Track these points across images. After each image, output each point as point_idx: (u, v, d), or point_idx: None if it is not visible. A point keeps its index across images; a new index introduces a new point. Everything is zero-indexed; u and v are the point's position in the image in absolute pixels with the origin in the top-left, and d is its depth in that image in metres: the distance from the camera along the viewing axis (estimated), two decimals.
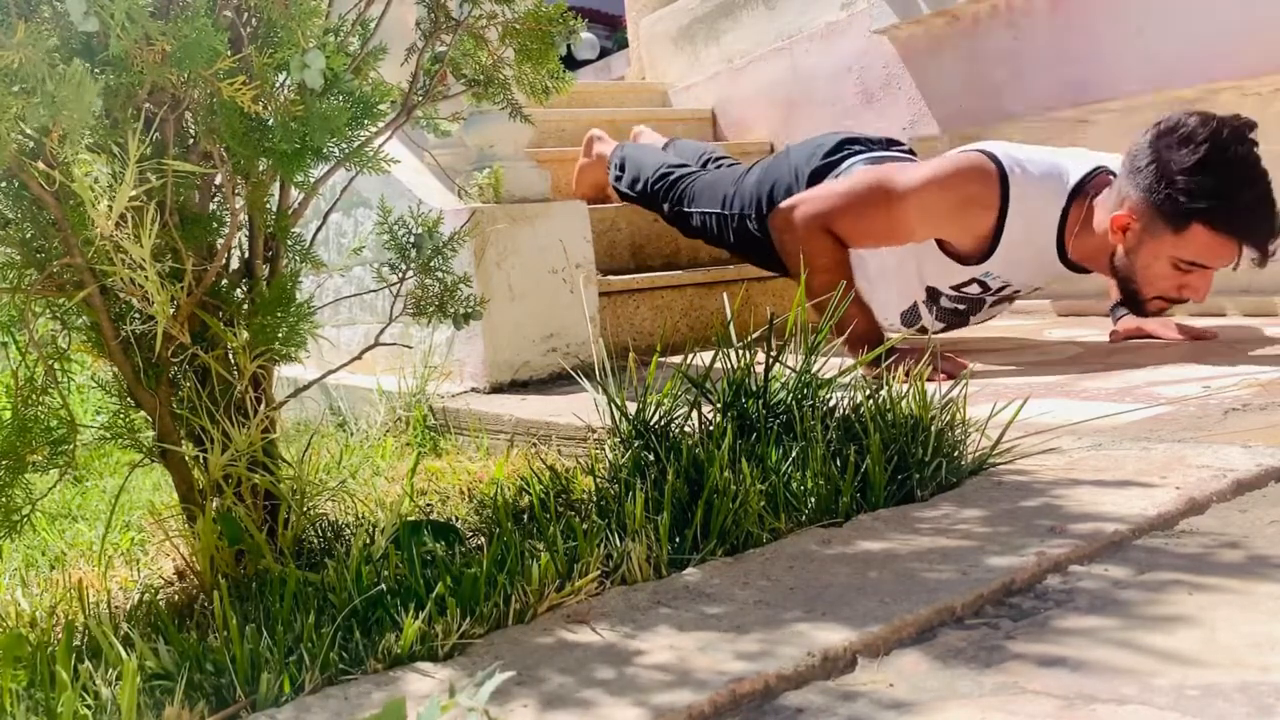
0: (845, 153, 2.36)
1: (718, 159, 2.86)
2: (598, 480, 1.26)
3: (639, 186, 2.84)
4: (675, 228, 2.81)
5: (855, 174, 2.20)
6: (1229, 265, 1.90)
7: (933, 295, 2.25)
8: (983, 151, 2.06)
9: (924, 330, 2.35)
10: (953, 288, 2.21)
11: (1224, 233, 1.84)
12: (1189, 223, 1.85)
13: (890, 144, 2.40)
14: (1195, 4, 2.48)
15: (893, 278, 2.26)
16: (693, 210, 2.65)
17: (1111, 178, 2.02)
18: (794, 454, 1.20)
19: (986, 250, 2.07)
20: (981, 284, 2.18)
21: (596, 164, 3.12)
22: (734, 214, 2.50)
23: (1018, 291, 2.24)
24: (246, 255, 1.26)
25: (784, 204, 2.17)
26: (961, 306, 2.27)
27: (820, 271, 2.08)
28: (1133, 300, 2.02)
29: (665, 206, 2.75)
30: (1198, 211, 1.83)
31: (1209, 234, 1.85)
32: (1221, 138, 1.82)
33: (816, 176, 2.33)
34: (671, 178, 2.74)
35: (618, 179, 2.95)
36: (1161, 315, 2.07)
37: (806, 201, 2.14)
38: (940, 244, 2.13)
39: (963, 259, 2.12)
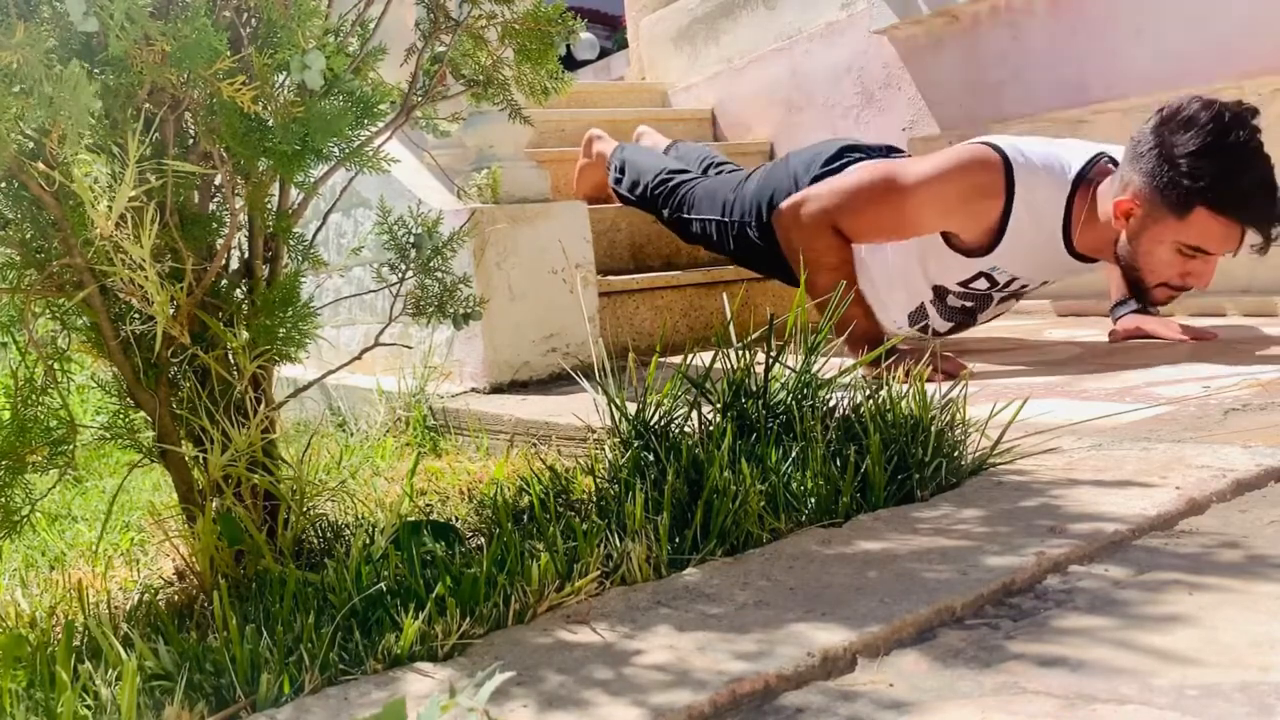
0: (845, 160, 2.36)
1: (718, 164, 2.86)
2: (597, 480, 1.26)
3: (639, 191, 2.84)
4: (674, 232, 2.82)
5: (861, 169, 2.19)
6: (1231, 250, 1.89)
7: (940, 294, 2.25)
8: (986, 143, 2.06)
9: (933, 332, 2.35)
10: (960, 284, 2.20)
11: (1227, 216, 1.84)
12: (1192, 207, 1.85)
13: (890, 151, 2.40)
14: (1195, 4, 2.48)
15: (898, 279, 2.26)
16: (692, 217, 2.65)
17: (1112, 166, 2.02)
18: (794, 454, 1.20)
19: (993, 241, 2.07)
20: (989, 278, 2.17)
21: (596, 164, 3.12)
22: (734, 220, 2.50)
23: (1025, 286, 2.23)
24: (246, 255, 1.26)
25: (788, 201, 2.17)
26: (969, 304, 2.26)
27: (824, 270, 2.08)
28: (1138, 289, 2.02)
29: (665, 212, 2.75)
30: (1200, 194, 1.83)
31: (1211, 218, 1.85)
32: (1224, 122, 1.83)
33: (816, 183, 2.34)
34: (671, 183, 2.74)
35: (618, 181, 2.95)
36: (1167, 304, 2.06)
37: (812, 198, 2.13)
38: (946, 239, 2.13)
39: (969, 252, 2.12)
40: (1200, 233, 1.87)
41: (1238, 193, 1.83)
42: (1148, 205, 1.91)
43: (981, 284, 2.20)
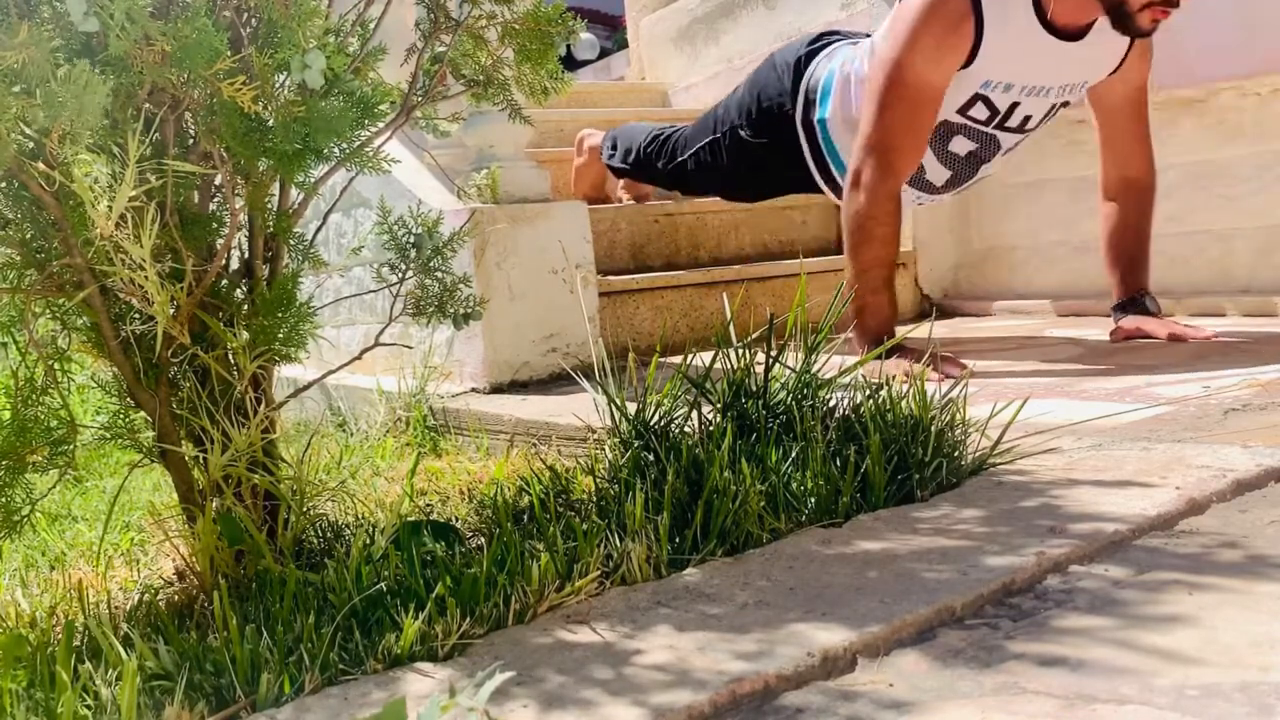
0: (825, 42, 2.36)
1: None
2: (598, 480, 1.26)
3: (632, 157, 2.84)
4: (676, 188, 2.81)
5: (864, 85, 2.17)
6: None
7: (940, 135, 2.20)
8: None
9: (930, 187, 2.32)
10: (959, 112, 2.15)
11: None
12: None
13: (869, 37, 2.39)
14: (1195, 4, 2.48)
15: None
16: (687, 155, 2.64)
17: None
18: (794, 454, 1.20)
19: (975, 47, 2.03)
20: (986, 102, 2.12)
21: (591, 160, 3.12)
22: (725, 131, 2.49)
23: (1028, 118, 2.17)
24: (246, 255, 1.26)
25: (847, 183, 2.14)
26: (973, 146, 2.22)
27: (874, 242, 2.07)
28: (1124, 20, 1.98)
29: (661, 165, 2.74)
30: None
31: None
32: None
33: (803, 63, 2.34)
34: (662, 137, 2.75)
35: (610, 156, 2.95)
36: (1154, 30, 2.00)
37: (862, 162, 2.09)
38: None
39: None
40: None
41: None
42: None
43: (980, 111, 2.15)
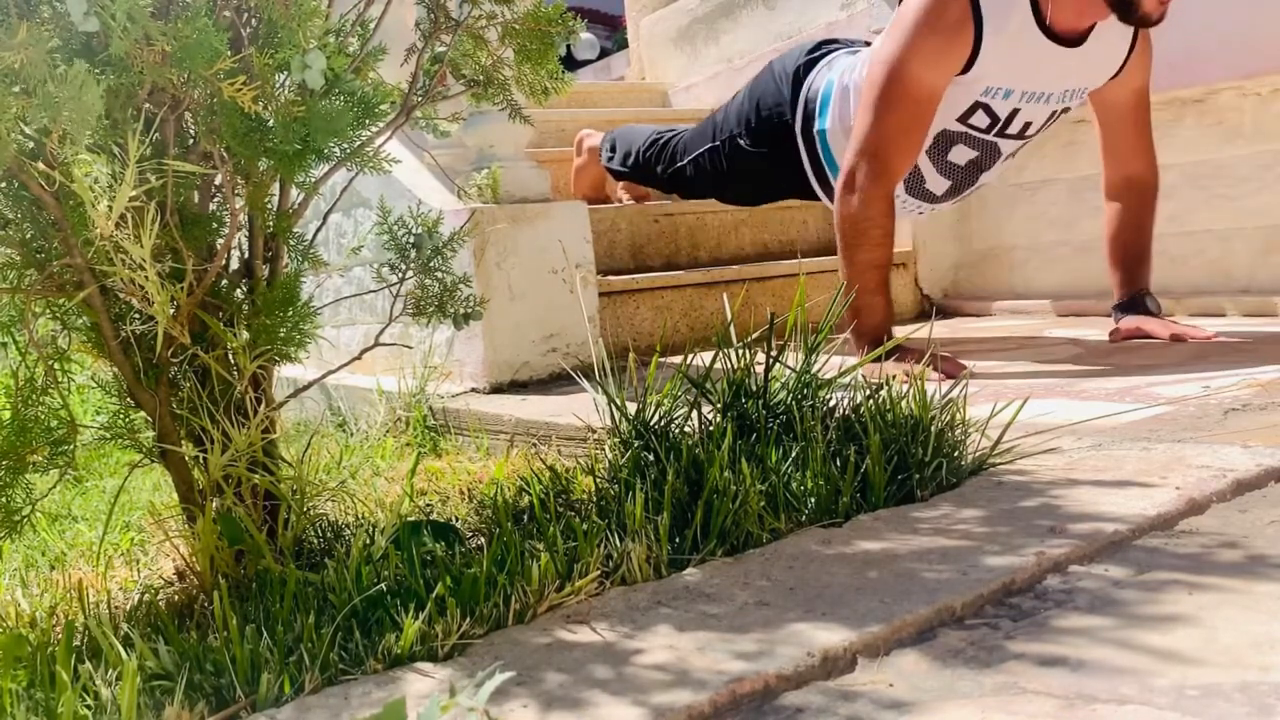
0: (823, 50, 2.36)
1: None
2: (598, 480, 1.26)
3: (631, 160, 2.84)
4: (674, 192, 2.81)
5: (862, 90, 2.16)
6: None
7: (940, 144, 2.20)
8: None
9: (930, 196, 2.32)
10: (959, 120, 2.15)
11: None
12: None
13: (868, 45, 2.39)
14: (1195, 4, 2.48)
15: None
16: (685, 161, 2.64)
17: None
18: (794, 454, 1.20)
19: (974, 53, 2.03)
20: (987, 110, 2.12)
21: (590, 160, 3.12)
22: (724, 139, 2.50)
23: (1029, 125, 2.17)
24: (246, 255, 1.26)
25: (839, 184, 2.13)
26: (973, 154, 2.22)
27: (868, 244, 2.07)
28: (1130, 10, 1.97)
29: (659, 169, 2.74)
30: None
31: None
32: None
33: (801, 73, 2.34)
34: (661, 141, 2.75)
35: (609, 159, 2.95)
36: (1162, 17, 1.98)
37: (856, 163, 2.09)
38: None
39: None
40: None
41: None
42: None
43: (981, 118, 2.14)
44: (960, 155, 2.23)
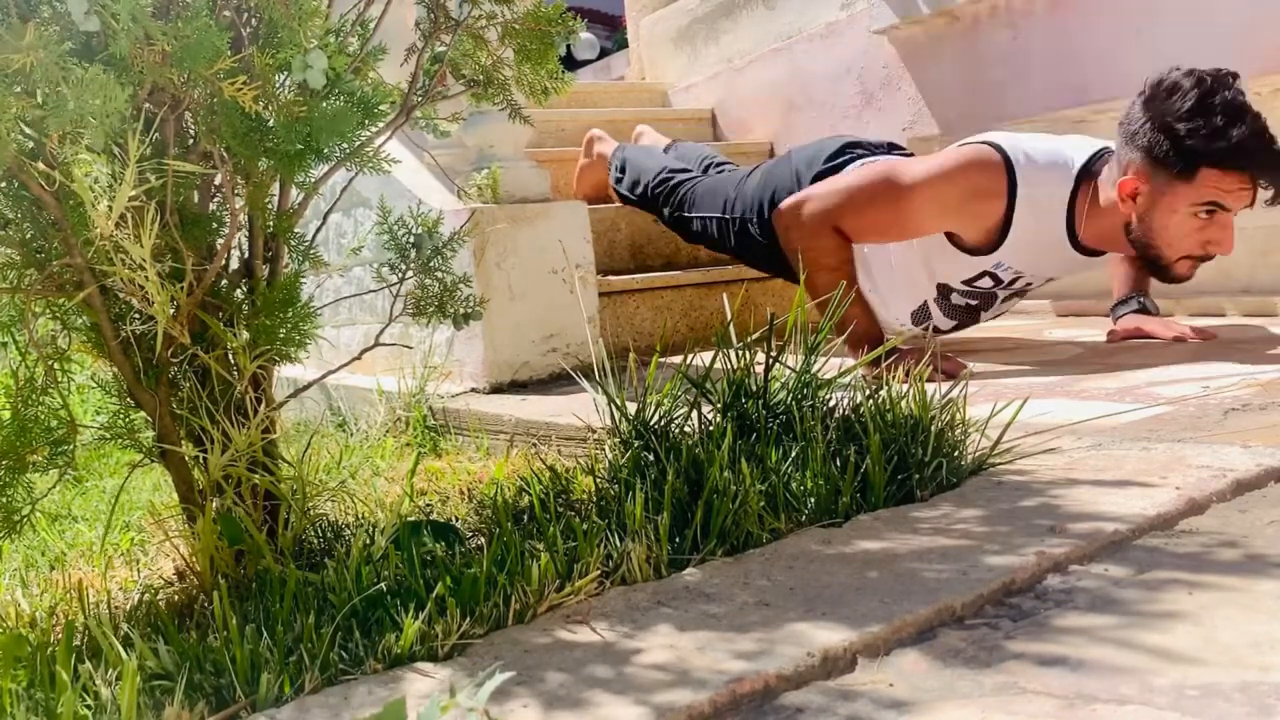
0: (847, 156, 2.36)
1: (719, 164, 2.86)
2: (598, 480, 1.26)
3: (639, 190, 2.84)
4: (675, 232, 2.81)
5: (861, 169, 2.19)
6: (1247, 203, 1.90)
7: (944, 292, 2.24)
8: (987, 142, 2.06)
9: (936, 329, 2.35)
10: (964, 282, 2.19)
11: (1233, 167, 1.86)
12: (1196, 167, 1.86)
13: (891, 148, 2.40)
14: (1195, 4, 2.48)
15: (901, 277, 2.26)
16: (693, 215, 2.65)
17: None
18: (794, 454, 1.20)
19: (996, 241, 2.07)
20: (994, 277, 2.16)
21: (597, 164, 3.12)
22: (735, 218, 2.50)
23: (1030, 284, 2.22)
24: (246, 255, 1.26)
25: (788, 201, 2.17)
26: (973, 302, 2.26)
27: (824, 270, 2.08)
28: (1158, 269, 2.01)
29: (665, 211, 2.75)
30: (1202, 153, 1.85)
31: (1219, 174, 1.86)
32: (1208, 83, 1.86)
33: (818, 180, 2.33)
34: (672, 182, 2.74)
35: (618, 181, 2.95)
36: (1190, 278, 2.03)
37: (812, 199, 2.13)
38: (950, 238, 2.13)
39: (973, 251, 2.12)
40: (1213, 189, 1.88)
41: (1239, 144, 1.84)
42: (1152, 179, 1.91)
43: (986, 282, 2.19)
44: (960, 300, 2.27)
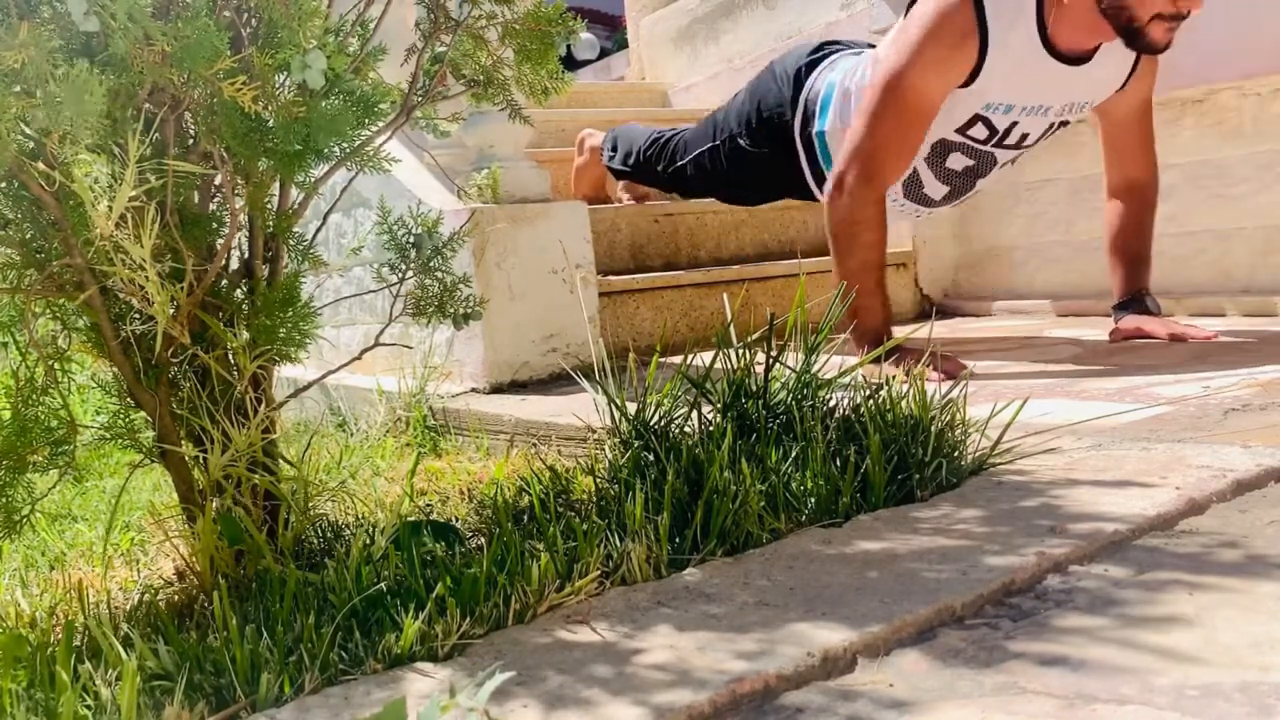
0: (825, 52, 2.36)
1: None
2: (597, 480, 1.26)
3: (632, 159, 2.84)
4: (675, 191, 2.82)
5: (863, 96, 2.17)
6: None
7: (938, 151, 2.20)
8: None
9: (928, 200, 2.32)
10: (958, 131, 2.16)
11: None
12: None
13: (871, 48, 2.39)
14: None
15: None
16: (686, 160, 2.64)
17: None
18: (794, 454, 1.20)
19: (977, 67, 2.03)
20: (987, 124, 2.13)
21: (592, 160, 3.12)
22: (724, 139, 2.50)
23: (1026, 136, 2.18)
24: (246, 255, 1.26)
25: (828, 187, 2.14)
26: (970, 162, 2.22)
27: (859, 247, 2.07)
28: (1134, 36, 1.98)
29: (660, 168, 2.75)
30: None
31: None
32: None
33: (803, 74, 2.34)
34: (662, 140, 2.76)
35: (610, 158, 2.95)
36: (1168, 45, 1.99)
37: (847, 168, 2.09)
38: None
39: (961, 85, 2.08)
40: None
41: None
42: None
43: (980, 130, 2.15)
44: (957, 162, 2.23)
